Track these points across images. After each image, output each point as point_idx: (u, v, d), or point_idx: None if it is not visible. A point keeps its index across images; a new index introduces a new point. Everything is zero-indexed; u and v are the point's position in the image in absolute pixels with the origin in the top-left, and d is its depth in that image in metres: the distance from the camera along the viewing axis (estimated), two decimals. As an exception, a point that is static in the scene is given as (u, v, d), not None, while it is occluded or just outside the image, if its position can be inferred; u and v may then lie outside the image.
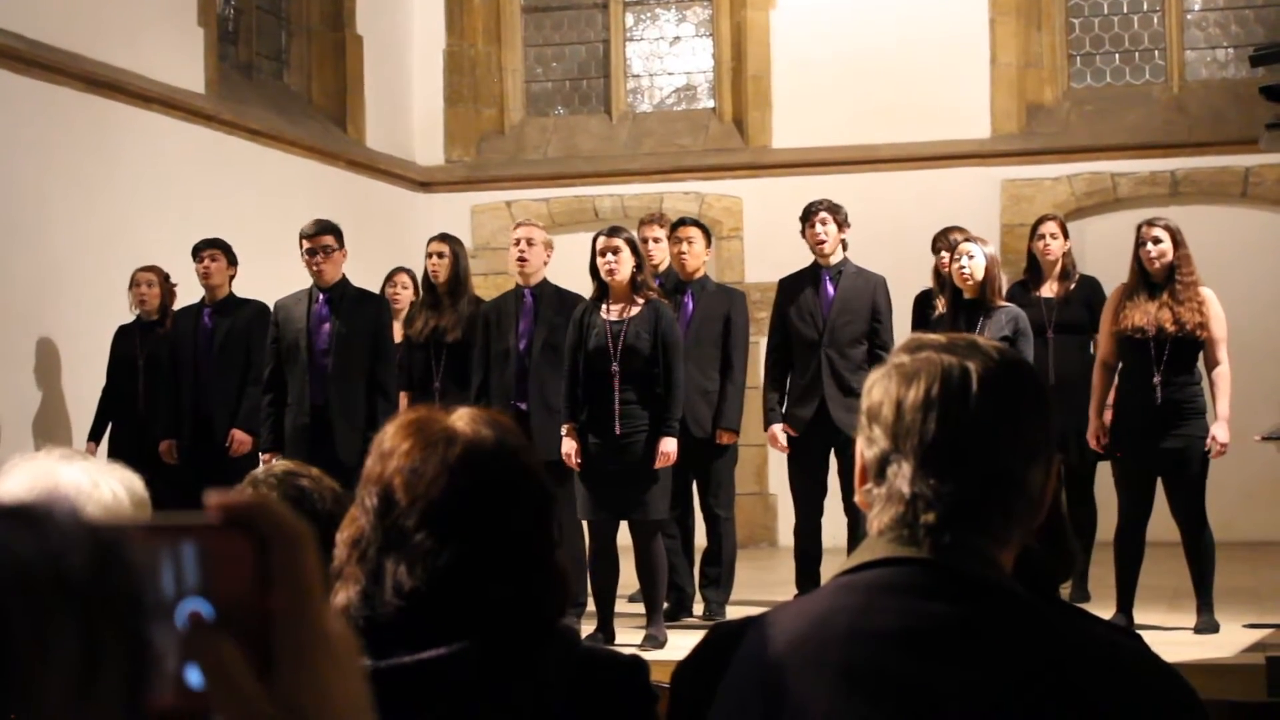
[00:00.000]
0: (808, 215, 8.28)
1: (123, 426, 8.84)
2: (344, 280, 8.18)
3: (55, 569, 0.78)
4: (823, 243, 8.18)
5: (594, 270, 7.43)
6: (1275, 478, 10.74)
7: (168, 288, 9.04)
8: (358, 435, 7.76)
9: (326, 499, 2.64)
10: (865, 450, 1.81)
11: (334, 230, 8.14)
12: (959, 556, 1.73)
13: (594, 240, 7.50)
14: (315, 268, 8.05)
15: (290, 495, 2.60)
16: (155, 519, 0.86)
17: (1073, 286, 8.59)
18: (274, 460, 7.72)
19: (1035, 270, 8.70)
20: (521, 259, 8.03)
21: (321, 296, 8.10)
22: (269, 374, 8.14)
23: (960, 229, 8.38)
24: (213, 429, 8.59)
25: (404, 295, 9.33)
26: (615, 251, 7.34)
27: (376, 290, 9.02)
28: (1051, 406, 1.85)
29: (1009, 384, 1.79)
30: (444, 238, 8.62)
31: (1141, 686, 1.68)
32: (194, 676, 0.84)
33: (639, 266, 7.41)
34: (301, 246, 8.11)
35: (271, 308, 8.37)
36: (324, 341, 8.05)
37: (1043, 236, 8.64)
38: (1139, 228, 7.54)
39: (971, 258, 7.54)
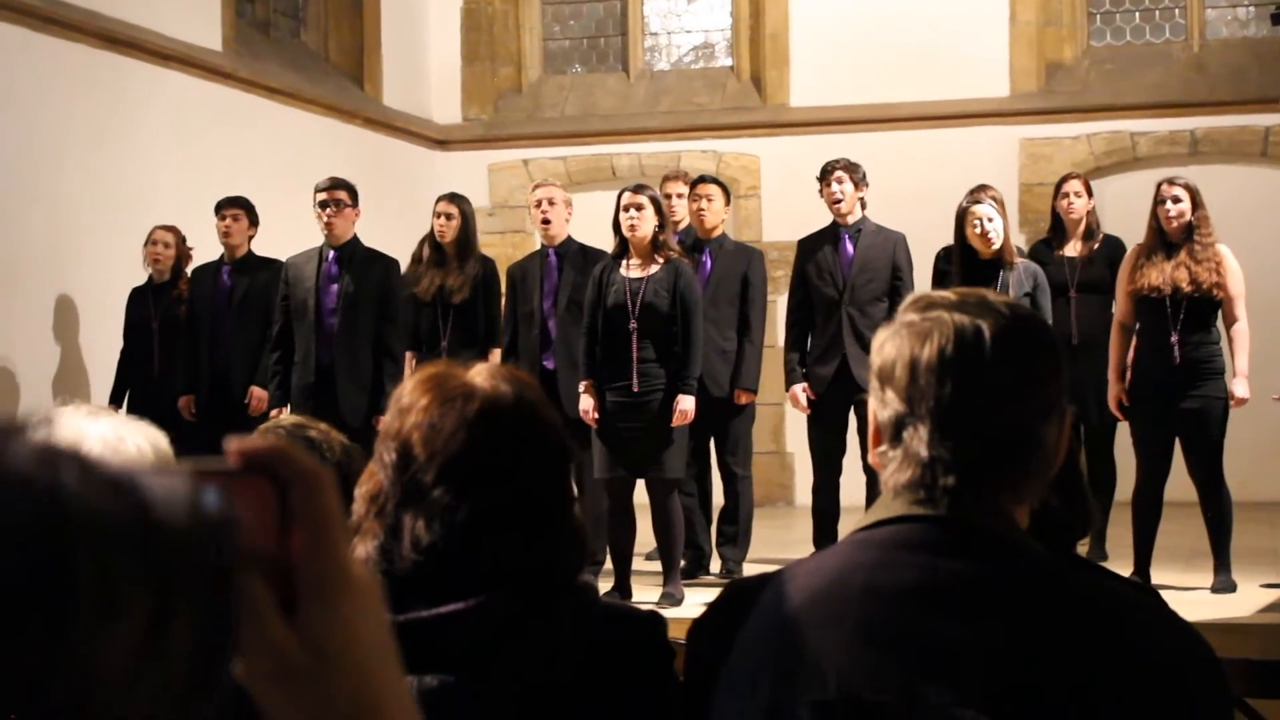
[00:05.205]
0: (825, 174, 8.24)
1: (139, 390, 8.83)
2: (355, 239, 8.17)
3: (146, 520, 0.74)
4: (839, 201, 8.15)
5: (616, 226, 7.42)
6: (1293, 438, 10.72)
7: (183, 250, 9.02)
8: (362, 396, 7.77)
9: (335, 450, 2.65)
10: (879, 412, 1.80)
11: (348, 186, 8.13)
12: (976, 514, 1.73)
13: (618, 197, 7.48)
14: (326, 221, 8.05)
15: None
16: (177, 466, 0.86)
17: (1096, 246, 8.54)
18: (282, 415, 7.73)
19: (1059, 229, 8.66)
20: (545, 220, 8.03)
21: (332, 255, 8.09)
22: (278, 332, 8.14)
23: (991, 187, 8.26)
24: (230, 386, 8.59)
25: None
26: (639, 208, 7.32)
27: (395, 250, 8.96)
28: (1063, 361, 1.84)
29: (1022, 342, 1.78)
30: (452, 198, 8.44)
31: (1159, 643, 1.68)
32: None
33: (661, 225, 7.40)
34: (315, 200, 8.12)
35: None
36: (332, 300, 8.04)
37: (1066, 195, 8.60)
38: (1158, 186, 7.50)
39: (991, 220, 7.54)
